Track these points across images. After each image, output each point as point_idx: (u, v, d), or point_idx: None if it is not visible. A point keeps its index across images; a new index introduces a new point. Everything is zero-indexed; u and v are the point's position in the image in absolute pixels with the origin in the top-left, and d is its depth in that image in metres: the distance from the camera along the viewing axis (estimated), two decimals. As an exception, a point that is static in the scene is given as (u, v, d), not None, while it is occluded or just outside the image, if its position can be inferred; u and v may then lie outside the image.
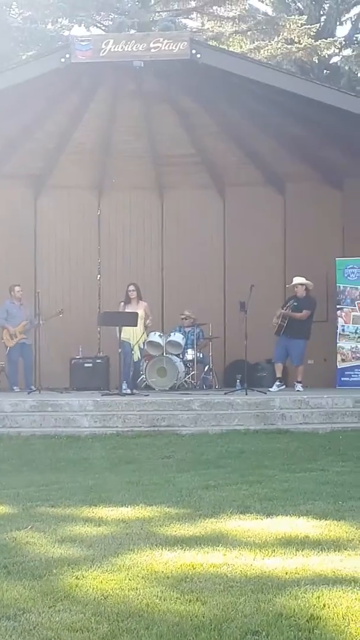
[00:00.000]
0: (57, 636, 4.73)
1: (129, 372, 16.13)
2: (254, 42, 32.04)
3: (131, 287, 16.54)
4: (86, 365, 18.08)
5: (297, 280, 16.43)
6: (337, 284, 17.64)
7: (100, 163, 19.30)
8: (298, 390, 15.84)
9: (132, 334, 16.02)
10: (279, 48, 31.18)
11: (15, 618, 5.03)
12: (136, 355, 16.37)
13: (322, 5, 35.79)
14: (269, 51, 31.05)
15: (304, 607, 5.10)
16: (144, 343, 16.59)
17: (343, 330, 17.53)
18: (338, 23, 35.75)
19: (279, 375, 16.41)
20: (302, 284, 16.35)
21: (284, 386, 16.25)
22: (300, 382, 16.23)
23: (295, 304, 16.18)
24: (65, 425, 13.52)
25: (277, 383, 16.22)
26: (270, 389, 15.84)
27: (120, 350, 15.57)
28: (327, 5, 35.61)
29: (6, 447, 12.29)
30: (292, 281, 16.59)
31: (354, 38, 35.83)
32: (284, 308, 16.22)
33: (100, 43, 15.17)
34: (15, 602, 5.31)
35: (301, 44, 31.08)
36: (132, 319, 15.70)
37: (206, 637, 4.68)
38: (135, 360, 16.39)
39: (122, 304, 16.51)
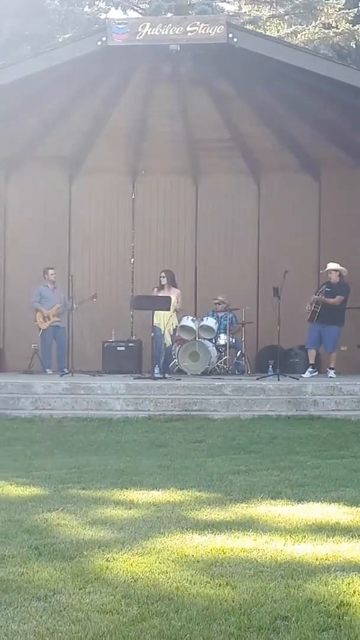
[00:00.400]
0: (87, 617, 4.76)
1: (160, 356, 16.15)
2: (291, 27, 31.86)
3: (162, 274, 16.53)
4: (119, 348, 18.10)
5: (331, 266, 16.34)
6: (372, 271, 17.51)
7: (135, 147, 19.30)
8: (331, 377, 15.77)
9: (161, 319, 16.01)
10: (316, 32, 30.99)
11: (45, 599, 5.07)
12: (167, 340, 16.35)
13: (360, -11, 35.52)
14: (306, 36, 30.87)
15: (334, 593, 5.10)
16: (174, 329, 16.57)
17: (377, 317, 17.41)
18: (376, 8, 35.46)
19: (311, 361, 16.35)
20: (335, 270, 16.24)
21: (316, 372, 16.18)
22: (332, 369, 16.15)
23: (328, 289, 16.10)
24: (98, 408, 13.57)
25: (310, 369, 16.16)
26: (302, 375, 15.79)
27: (152, 334, 15.59)
28: (366, -11, 35.34)
29: (39, 429, 12.36)
30: (325, 267, 16.51)
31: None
32: (317, 294, 16.17)
33: (137, 26, 15.14)
34: (45, 583, 5.35)
35: (339, 28, 30.88)
36: (165, 303, 15.70)
37: (235, 621, 4.69)
38: (166, 346, 16.39)
39: (156, 289, 16.50)
